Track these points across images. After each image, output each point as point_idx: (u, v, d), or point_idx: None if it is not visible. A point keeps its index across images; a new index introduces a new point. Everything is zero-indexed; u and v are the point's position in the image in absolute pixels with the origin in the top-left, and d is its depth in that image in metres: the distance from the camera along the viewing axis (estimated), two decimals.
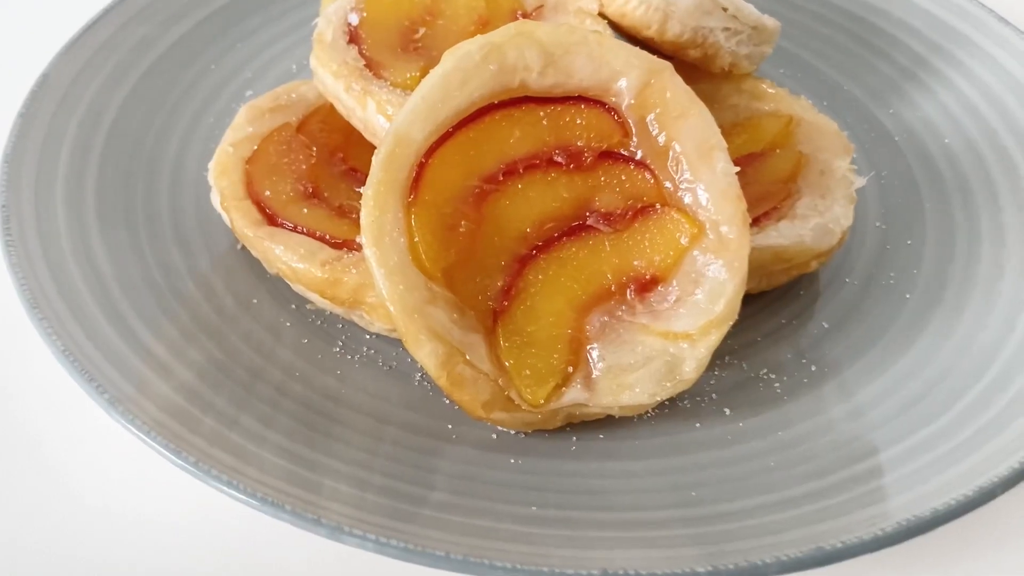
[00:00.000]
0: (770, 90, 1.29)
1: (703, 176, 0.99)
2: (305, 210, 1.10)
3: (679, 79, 1.00)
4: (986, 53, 1.44)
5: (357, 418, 1.01)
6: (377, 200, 0.96)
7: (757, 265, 1.10)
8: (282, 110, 1.22)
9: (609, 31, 1.21)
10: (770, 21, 1.29)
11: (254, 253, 1.11)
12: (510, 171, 1.00)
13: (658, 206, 1.00)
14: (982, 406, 1.02)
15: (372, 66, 1.16)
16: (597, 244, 1.00)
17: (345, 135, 1.20)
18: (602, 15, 1.23)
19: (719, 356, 1.10)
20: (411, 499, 0.91)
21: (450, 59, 0.99)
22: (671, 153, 1.00)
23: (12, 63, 1.45)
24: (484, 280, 0.99)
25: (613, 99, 1.01)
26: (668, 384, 0.97)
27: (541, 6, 1.27)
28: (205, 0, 1.51)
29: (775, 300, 1.17)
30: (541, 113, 1.01)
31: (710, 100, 1.27)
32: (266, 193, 1.11)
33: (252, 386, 1.02)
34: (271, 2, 1.55)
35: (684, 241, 0.99)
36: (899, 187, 1.32)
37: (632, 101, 1.00)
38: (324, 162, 1.18)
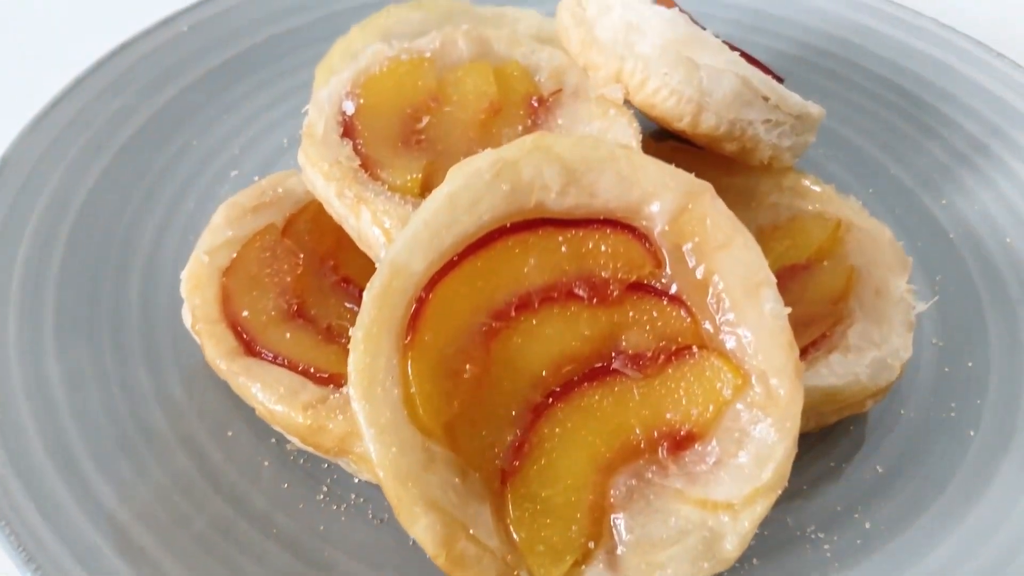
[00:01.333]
0: (815, 187, 1.15)
1: (749, 317, 0.84)
2: (288, 334, 0.96)
3: (721, 203, 0.86)
4: None
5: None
6: (368, 344, 0.82)
7: (807, 407, 0.95)
8: (266, 208, 1.08)
9: (635, 122, 1.08)
10: (814, 108, 1.15)
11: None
12: (523, 305, 0.86)
13: (695, 349, 0.86)
14: None
15: (368, 165, 1.03)
16: (624, 392, 0.86)
17: (337, 237, 1.07)
18: (628, 102, 1.10)
19: None
20: None
21: (457, 177, 0.86)
22: (711, 289, 0.86)
23: None
24: (492, 435, 0.85)
25: (644, 223, 0.87)
26: (706, 565, 0.83)
27: (559, 90, 1.14)
28: (188, 65, 1.38)
29: (821, 439, 1.03)
30: (560, 238, 0.87)
31: (748, 197, 1.14)
32: (244, 313, 0.97)
33: (219, 548, 0.88)
34: (261, 66, 1.42)
35: (727, 393, 0.84)
36: (956, 294, 1.18)
37: (666, 228, 0.86)
38: (312, 271, 1.04)
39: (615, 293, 0.87)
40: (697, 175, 1.14)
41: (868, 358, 0.96)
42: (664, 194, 0.86)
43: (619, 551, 0.84)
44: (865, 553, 0.92)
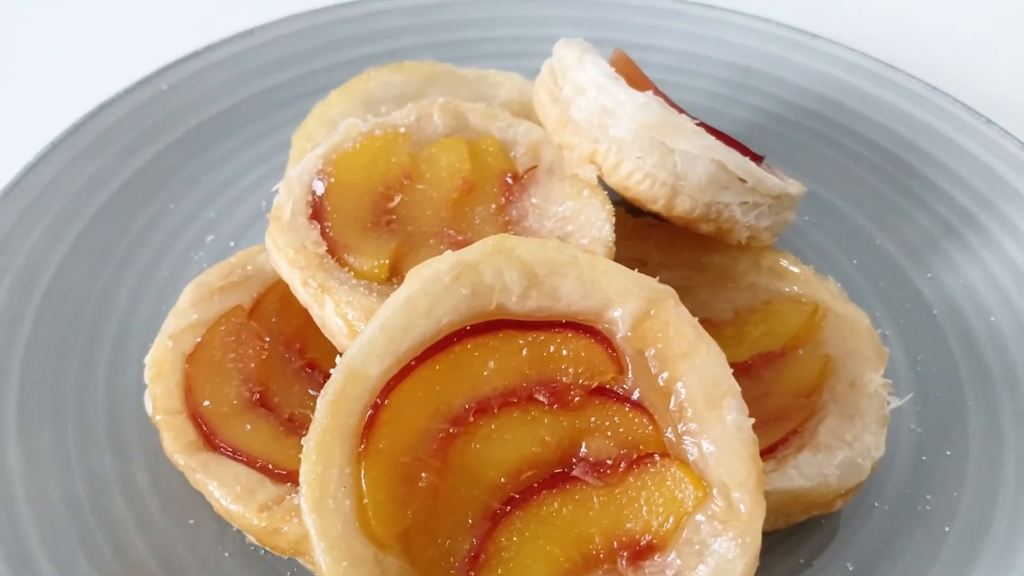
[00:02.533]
0: (793, 268, 1.13)
1: (711, 428, 0.83)
2: (249, 426, 0.95)
3: (684, 310, 0.85)
4: None
5: None
6: (320, 453, 0.80)
7: (772, 507, 0.94)
8: (233, 288, 1.07)
9: (609, 204, 1.06)
10: (794, 187, 1.14)
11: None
12: (482, 410, 0.85)
13: (657, 458, 0.84)
14: None
15: (335, 250, 1.01)
16: (584, 499, 0.85)
17: (305, 318, 1.04)
18: (602, 181, 1.09)
19: None
20: None
21: (415, 280, 0.84)
22: (674, 397, 0.84)
23: None
24: (448, 544, 0.83)
25: (606, 328, 0.85)
26: None
27: (534, 167, 1.13)
28: (167, 125, 1.37)
29: (791, 534, 1.01)
30: (521, 341, 0.85)
31: (725, 277, 1.13)
32: (205, 403, 0.96)
33: None
34: (241, 125, 1.41)
35: (688, 505, 0.83)
36: (937, 377, 1.16)
37: (629, 333, 0.85)
38: (277, 356, 1.03)
39: (576, 398, 0.85)
40: (674, 253, 1.15)
41: (838, 458, 0.95)
42: (626, 300, 0.84)
43: None
44: None
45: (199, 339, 1.01)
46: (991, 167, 1.35)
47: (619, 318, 0.85)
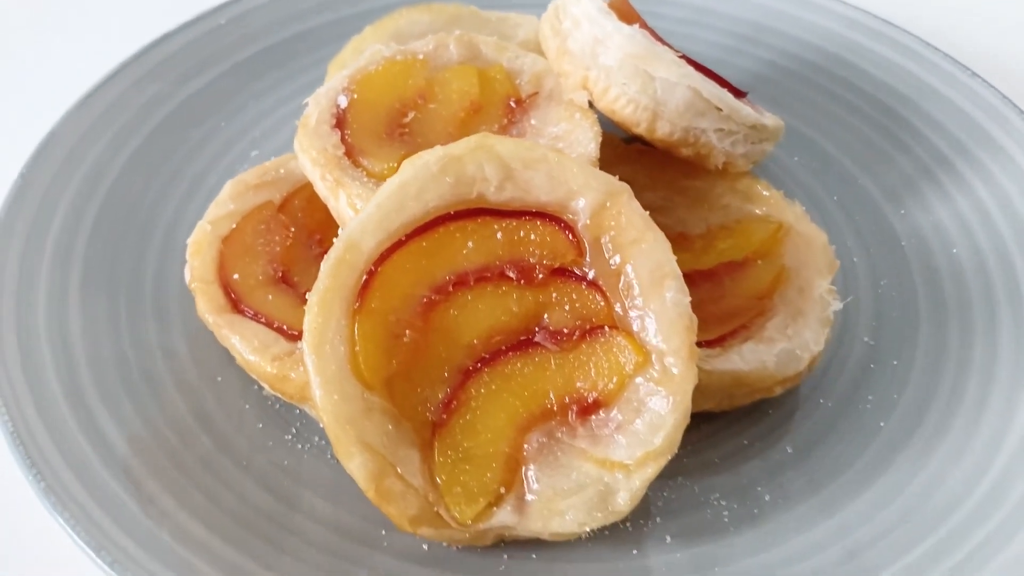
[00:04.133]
0: (764, 192, 1.25)
1: (653, 304, 0.96)
2: (270, 296, 1.12)
3: (636, 204, 0.98)
4: (1008, 156, 1.37)
5: (294, 519, 1.02)
6: (322, 307, 0.96)
7: (717, 387, 1.07)
8: (267, 186, 1.23)
9: (597, 126, 1.20)
10: (770, 120, 1.25)
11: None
12: (461, 282, 0.99)
13: (607, 329, 0.98)
14: (932, 561, 0.97)
15: (352, 153, 1.17)
16: (543, 362, 0.99)
17: (326, 214, 1.21)
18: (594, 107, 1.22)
19: (671, 476, 1.08)
20: None
21: (408, 169, 0.99)
22: (623, 277, 0.98)
23: (27, 119, 1.48)
24: (426, 391, 0.99)
25: (570, 217, 0.99)
26: (599, 514, 0.95)
27: (535, 94, 1.26)
28: (222, 56, 1.54)
29: (740, 419, 1.14)
30: (496, 227, 1.00)
31: (703, 198, 1.25)
32: (235, 276, 1.13)
33: (200, 477, 1.04)
34: (289, 59, 1.57)
35: (629, 368, 0.97)
36: (897, 299, 1.27)
37: (588, 222, 0.98)
38: (300, 244, 1.19)
39: (541, 276, 0.99)
40: (659, 176, 1.28)
41: (777, 348, 1.07)
42: (587, 193, 0.98)
43: (527, 498, 0.97)
44: (759, 521, 1.03)
45: (234, 225, 1.18)
46: (971, 116, 1.44)
47: (580, 209, 0.99)
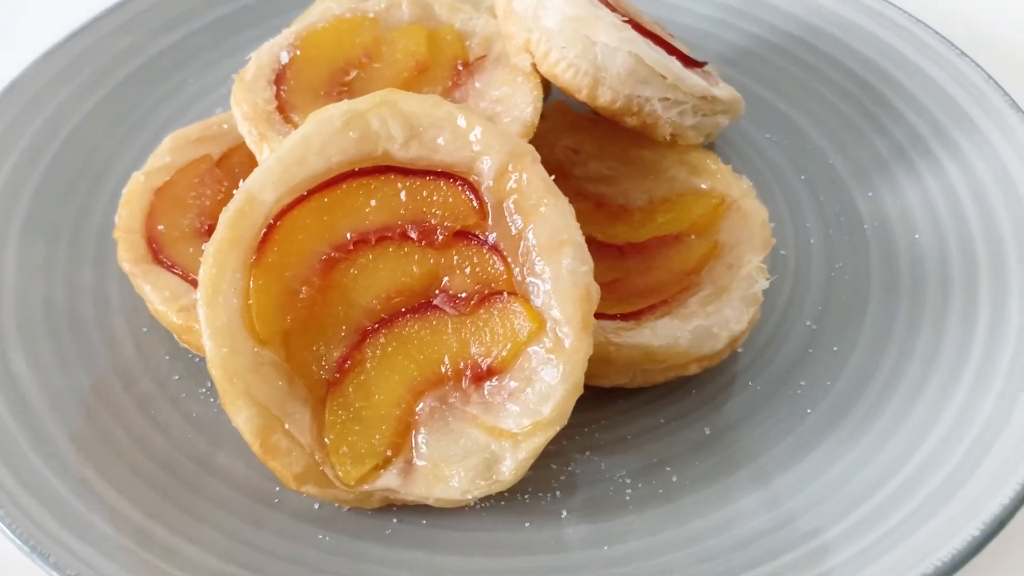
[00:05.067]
0: (712, 166, 1.21)
1: (550, 271, 0.94)
2: (191, 249, 1.12)
3: (539, 167, 0.95)
4: (986, 140, 1.30)
5: (202, 477, 1.02)
6: (217, 258, 0.96)
7: (627, 362, 1.04)
8: (207, 141, 1.23)
9: (538, 90, 1.17)
10: (724, 92, 1.21)
11: None
12: (362, 241, 0.98)
13: (505, 295, 0.96)
14: (824, 556, 0.93)
15: (285, 109, 1.16)
16: (440, 325, 0.97)
17: None
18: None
19: (580, 450, 1.06)
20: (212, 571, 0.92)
21: (311, 122, 0.98)
22: (523, 243, 0.95)
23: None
24: (321, 349, 0.98)
25: (475, 179, 0.97)
26: (482, 482, 0.93)
27: (483, 57, 1.24)
28: (198, 11, 1.54)
29: (661, 396, 1.10)
30: (400, 185, 0.98)
31: (651, 170, 1.22)
32: (159, 227, 1.13)
33: (106, 426, 1.05)
34: (263, 19, 1.57)
35: (523, 336, 0.94)
36: (849, 283, 1.22)
37: (491, 183, 0.96)
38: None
39: (442, 238, 0.97)
40: (607, 145, 1.25)
41: (692, 324, 1.03)
42: (490, 153, 0.96)
43: (415, 462, 0.96)
44: (661, 502, 1.00)
45: (168, 177, 1.18)
46: (953, 96, 1.37)
47: (485, 170, 0.96)
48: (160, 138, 1.37)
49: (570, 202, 1.13)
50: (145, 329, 1.16)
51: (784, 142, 1.41)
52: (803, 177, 1.36)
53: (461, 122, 0.96)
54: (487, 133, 0.96)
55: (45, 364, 1.09)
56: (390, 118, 0.97)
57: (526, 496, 1.01)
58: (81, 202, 1.28)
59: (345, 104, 0.98)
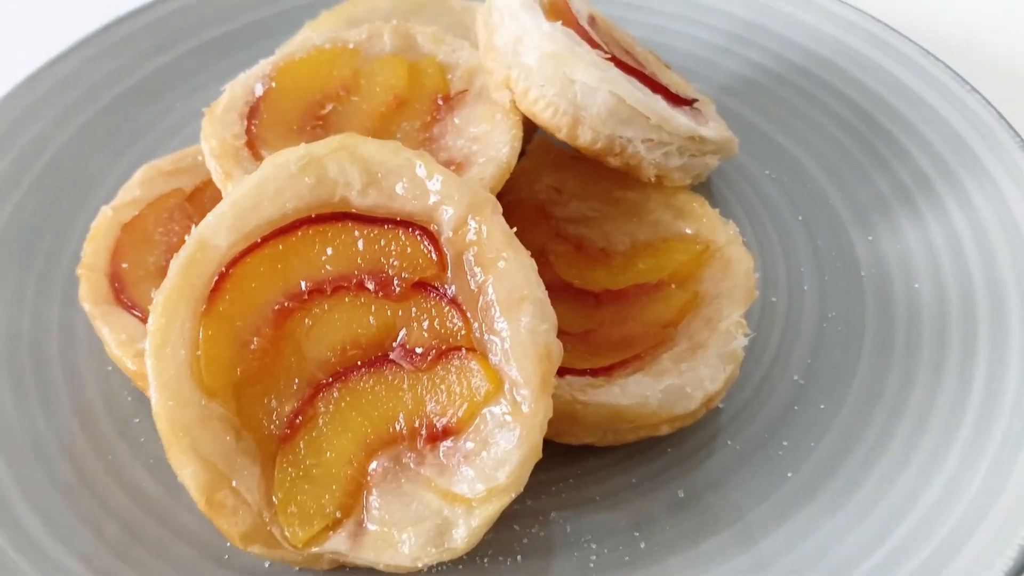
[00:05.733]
0: (699, 209, 1.16)
1: (509, 329, 0.89)
2: (153, 289, 1.08)
3: (500, 219, 0.91)
4: (992, 181, 1.24)
5: (153, 529, 0.99)
6: (166, 307, 0.92)
7: (594, 421, 0.99)
8: (180, 173, 1.20)
9: (518, 128, 1.13)
10: (714, 131, 1.16)
11: None
12: (317, 290, 0.94)
13: (463, 351, 0.91)
14: None
15: (255, 144, 1.13)
16: (396, 381, 0.93)
17: None
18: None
19: (545, 510, 1.01)
20: None
21: (267, 167, 0.95)
22: (482, 298, 0.91)
23: None
24: (273, 403, 0.94)
25: (434, 228, 0.93)
26: (433, 549, 0.89)
27: (465, 91, 1.20)
28: (187, 35, 1.52)
29: (633, 455, 1.06)
30: (357, 233, 0.94)
31: (635, 211, 1.17)
32: (124, 265, 1.10)
33: (60, 470, 1.02)
34: (252, 42, 1.54)
35: (480, 396, 0.90)
36: (841, 335, 1.16)
37: (451, 234, 0.92)
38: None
39: (400, 290, 0.93)
40: (591, 185, 1.20)
41: (664, 383, 0.98)
42: (450, 203, 0.91)
43: (366, 525, 0.91)
44: (626, 570, 0.95)
45: (136, 212, 1.15)
46: (961, 135, 1.31)
47: (444, 220, 0.92)
48: (141, 163, 1.35)
49: (549, 243, 1.10)
50: (109, 368, 1.13)
51: (783, 179, 1.36)
52: (800, 217, 1.30)
53: (420, 170, 0.92)
54: (447, 182, 0.91)
55: (2, 399, 1.06)
56: (348, 164, 0.93)
57: (485, 559, 0.97)
58: (55, 233, 1.26)
59: (302, 148, 0.94)
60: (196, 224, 1.13)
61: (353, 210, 0.94)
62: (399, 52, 1.23)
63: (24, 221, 1.25)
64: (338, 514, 0.91)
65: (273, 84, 1.18)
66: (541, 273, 0.92)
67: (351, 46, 1.23)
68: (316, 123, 1.16)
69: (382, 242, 0.94)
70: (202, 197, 1.19)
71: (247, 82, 1.18)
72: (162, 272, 1.09)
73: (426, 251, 0.93)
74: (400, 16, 1.42)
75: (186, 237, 1.12)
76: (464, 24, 1.42)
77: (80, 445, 1.05)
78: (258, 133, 1.13)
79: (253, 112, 1.16)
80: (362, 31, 1.24)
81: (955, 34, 1.64)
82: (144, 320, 1.05)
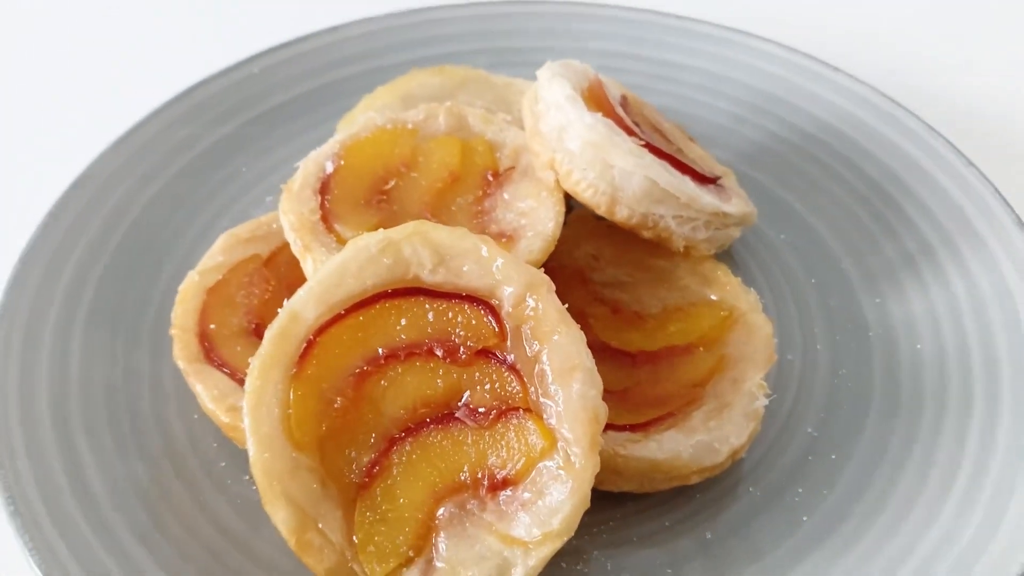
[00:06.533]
0: (723, 278, 1.29)
1: (561, 394, 1.02)
2: (239, 348, 1.22)
3: (554, 297, 1.04)
4: (989, 251, 1.37)
5: (237, 559, 1.12)
6: (261, 371, 1.06)
7: (634, 472, 1.12)
8: (257, 241, 1.34)
9: (561, 205, 1.26)
10: (736, 207, 1.29)
11: None
12: (392, 356, 1.08)
13: (521, 412, 1.05)
14: None
15: (328, 218, 1.26)
16: (461, 436, 1.06)
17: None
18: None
19: (588, 550, 1.14)
20: None
21: (350, 249, 1.08)
22: (538, 365, 1.04)
23: (67, 158, 1.63)
24: (353, 455, 1.07)
25: (495, 303, 1.06)
26: None
27: (512, 168, 1.34)
28: (251, 103, 1.66)
29: (666, 500, 1.18)
30: (428, 306, 1.07)
31: (665, 277, 1.31)
32: (212, 326, 1.24)
33: (158, 511, 1.16)
34: (312, 109, 1.68)
35: (536, 452, 1.03)
36: (851, 391, 1.29)
37: (511, 310, 1.05)
38: (279, 297, 1.28)
39: (465, 356, 1.07)
40: (625, 252, 1.34)
41: (695, 439, 1.11)
42: (510, 283, 1.05)
43: (435, 563, 1.05)
44: None
45: (220, 276, 1.29)
46: (961, 207, 1.44)
47: (505, 296, 1.06)
48: (215, 228, 1.49)
49: (588, 307, 1.23)
50: (196, 416, 1.26)
51: (797, 243, 1.49)
52: (814, 280, 1.43)
53: (484, 252, 1.06)
54: (507, 264, 1.05)
55: (105, 449, 1.20)
56: (421, 247, 1.07)
57: None
58: (139, 293, 1.39)
59: (380, 233, 1.08)
60: (272, 287, 1.29)
61: (424, 286, 1.08)
62: (452, 131, 1.37)
63: (112, 282, 1.39)
64: (411, 553, 1.04)
65: (342, 162, 1.32)
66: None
67: (410, 126, 1.37)
68: (381, 197, 1.30)
69: (450, 314, 1.07)
70: (277, 262, 1.32)
71: (318, 159, 1.32)
72: (245, 332, 1.24)
73: (488, 323, 1.06)
74: (448, 91, 1.56)
75: (265, 299, 1.27)
76: (505, 99, 1.56)
77: (176, 488, 1.18)
78: (331, 208, 1.27)
79: (325, 188, 1.30)
80: (419, 112, 1.38)
81: (960, 109, 1.78)
82: (232, 377, 1.20)
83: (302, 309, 1.07)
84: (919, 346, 1.31)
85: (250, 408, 1.05)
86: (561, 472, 1.01)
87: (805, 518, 1.15)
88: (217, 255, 1.31)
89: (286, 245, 1.34)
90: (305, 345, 1.07)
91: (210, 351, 1.22)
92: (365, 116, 1.38)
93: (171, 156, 1.56)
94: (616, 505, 1.17)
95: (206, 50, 1.91)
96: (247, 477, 1.21)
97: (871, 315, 1.37)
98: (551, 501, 1.02)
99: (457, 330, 1.07)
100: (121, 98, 1.85)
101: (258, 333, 1.25)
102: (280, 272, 1.32)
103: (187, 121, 1.60)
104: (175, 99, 1.62)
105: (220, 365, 1.20)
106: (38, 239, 1.38)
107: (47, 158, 1.71)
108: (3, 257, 1.37)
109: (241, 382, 1.19)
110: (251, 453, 1.04)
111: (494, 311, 1.06)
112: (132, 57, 2.00)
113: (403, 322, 1.08)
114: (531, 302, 1.04)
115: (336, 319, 1.07)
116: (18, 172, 1.71)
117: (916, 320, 1.35)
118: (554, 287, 1.05)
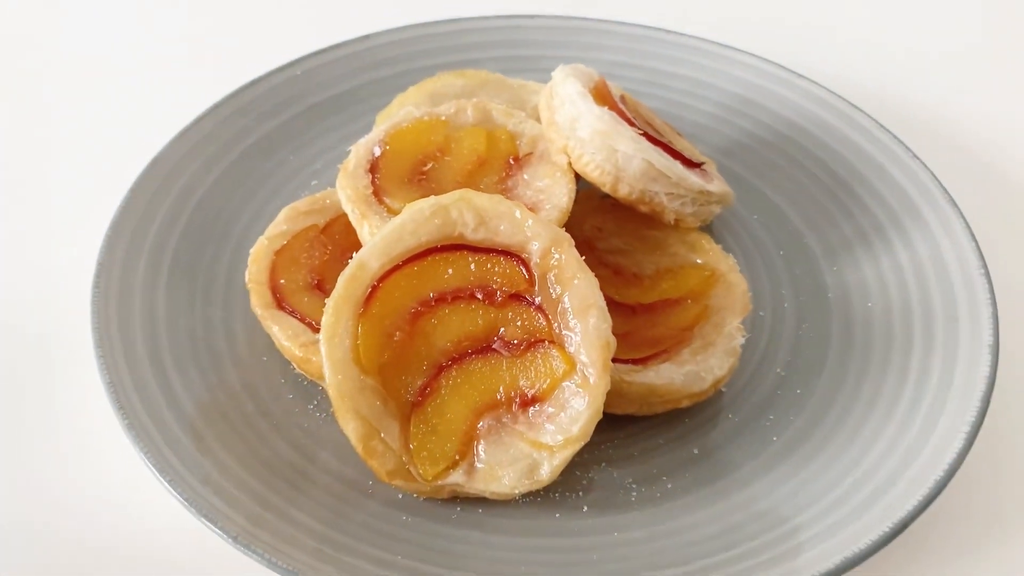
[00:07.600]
0: (706, 245, 1.54)
1: (580, 327, 1.27)
2: (306, 299, 1.46)
3: (574, 251, 1.29)
4: (928, 227, 1.64)
5: (309, 468, 1.36)
6: (335, 309, 1.30)
7: (635, 396, 1.37)
8: (315, 213, 1.58)
9: (573, 183, 1.51)
10: (718, 187, 1.55)
11: None
12: (440, 299, 1.32)
13: (547, 343, 1.29)
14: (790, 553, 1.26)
15: (379, 192, 1.50)
16: (497, 364, 1.31)
17: (356, 238, 1.55)
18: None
19: (597, 462, 1.38)
20: (318, 536, 1.25)
21: (408, 211, 1.33)
22: (560, 305, 1.29)
23: (138, 147, 1.87)
24: (408, 379, 1.31)
25: (526, 256, 1.31)
26: (527, 481, 1.26)
27: (530, 153, 1.58)
28: (295, 100, 1.90)
29: (660, 424, 1.43)
30: (470, 259, 1.32)
31: (658, 246, 1.56)
32: (281, 281, 1.48)
33: (238, 427, 1.39)
34: (353, 104, 1.92)
35: (559, 374, 1.28)
36: (813, 340, 1.54)
37: (538, 261, 1.30)
38: (335, 260, 1.53)
39: (501, 299, 1.31)
40: (624, 224, 1.59)
41: (685, 369, 1.37)
42: (539, 239, 1.30)
43: (476, 465, 1.29)
44: (659, 502, 1.32)
45: (285, 242, 1.53)
46: (906, 191, 1.71)
47: (534, 251, 1.30)
48: (269, 204, 1.73)
49: (594, 270, 1.48)
50: (265, 359, 1.50)
51: (768, 223, 1.75)
52: (782, 252, 1.69)
53: (517, 215, 1.31)
54: (536, 224, 1.30)
55: (192, 381, 1.43)
56: (465, 210, 1.32)
57: (556, 494, 1.34)
58: (210, 256, 1.62)
59: (432, 199, 1.33)
60: (329, 251, 1.53)
61: (468, 242, 1.32)
62: (479, 123, 1.62)
63: (186, 248, 1.62)
64: (456, 457, 1.29)
65: (387, 147, 1.56)
66: None
67: (443, 118, 1.61)
68: (421, 176, 1.54)
69: (488, 265, 1.32)
70: (332, 230, 1.56)
71: (367, 144, 1.57)
72: (309, 287, 1.48)
73: (520, 272, 1.31)
74: (470, 91, 1.80)
75: (324, 260, 1.51)
76: (520, 98, 1.81)
77: (250, 411, 1.41)
78: (380, 184, 1.51)
79: (374, 168, 1.54)
80: (451, 106, 1.63)
81: (907, 108, 2.06)
82: (302, 320, 1.43)
83: (368, 259, 1.31)
84: (870, 304, 1.58)
85: (326, 339, 1.29)
86: (579, 389, 1.26)
87: (775, 438, 1.41)
88: (281, 224, 1.55)
89: (339, 217, 1.59)
90: (370, 289, 1.31)
91: (281, 301, 1.45)
92: (405, 109, 1.62)
93: (229, 144, 1.80)
94: (620, 427, 1.42)
95: (258, 54, 2.15)
96: (311, 406, 1.44)
97: (830, 280, 1.63)
98: (571, 412, 1.26)
99: (494, 278, 1.32)
100: (187, 95, 2.09)
101: (320, 288, 1.49)
102: (335, 239, 1.55)
103: (241, 115, 1.84)
104: (230, 96, 1.86)
105: (291, 312, 1.44)
106: (123, 211, 1.61)
107: (129, 144, 1.95)
108: (97, 226, 1.60)
109: (309, 326, 1.43)
110: (327, 376, 1.28)
111: (525, 262, 1.31)
112: (195, 60, 2.24)
113: (450, 272, 1.32)
114: (556, 254, 1.29)
115: (395, 268, 1.32)
116: (105, 155, 1.95)
117: (868, 283, 1.61)
118: (573, 242, 1.30)
